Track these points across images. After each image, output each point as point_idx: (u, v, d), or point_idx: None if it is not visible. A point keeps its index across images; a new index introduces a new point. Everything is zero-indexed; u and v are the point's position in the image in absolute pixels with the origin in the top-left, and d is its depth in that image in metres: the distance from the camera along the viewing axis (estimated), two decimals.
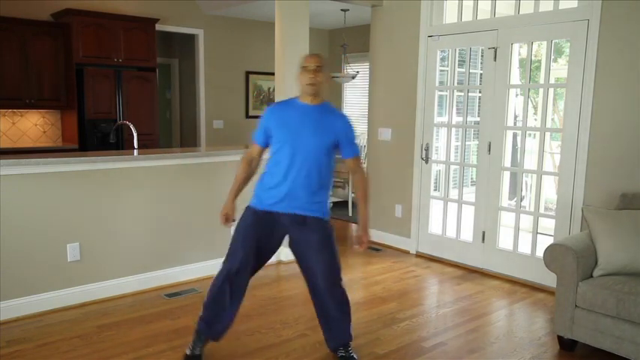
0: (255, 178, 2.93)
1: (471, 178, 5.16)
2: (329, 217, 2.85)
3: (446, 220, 4.97)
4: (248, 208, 2.85)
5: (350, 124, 2.83)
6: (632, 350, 2.83)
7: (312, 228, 2.76)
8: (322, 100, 2.79)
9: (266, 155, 2.91)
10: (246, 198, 2.89)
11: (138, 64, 6.34)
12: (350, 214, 6.81)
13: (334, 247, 2.83)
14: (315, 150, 2.70)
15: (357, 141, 2.88)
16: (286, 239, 2.89)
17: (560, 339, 3.19)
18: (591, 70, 3.81)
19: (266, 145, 2.86)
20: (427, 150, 4.98)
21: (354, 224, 6.40)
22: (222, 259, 4.55)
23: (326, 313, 2.89)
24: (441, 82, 4.93)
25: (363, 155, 6.86)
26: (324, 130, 2.72)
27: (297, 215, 2.75)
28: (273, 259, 4.72)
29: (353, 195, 7.03)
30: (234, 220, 2.89)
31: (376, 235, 5.52)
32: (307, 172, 2.71)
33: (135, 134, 4.41)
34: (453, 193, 5.06)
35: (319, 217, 2.78)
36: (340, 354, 2.93)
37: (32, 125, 6.15)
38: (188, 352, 2.90)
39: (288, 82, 4.69)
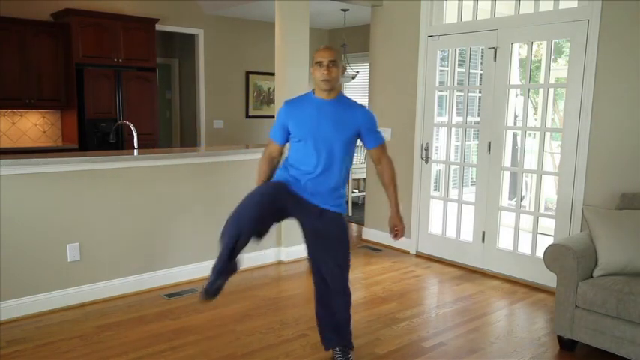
0: None
1: (471, 178, 5.16)
2: (345, 213, 2.83)
3: (446, 220, 4.97)
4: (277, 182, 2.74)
5: (370, 114, 2.78)
6: (632, 350, 2.83)
7: (330, 222, 2.73)
8: (337, 92, 2.74)
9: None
10: None
11: (138, 64, 6.35)
12: (350, 214, 6.81)
13: (348, 244, 2.82)
14: (336, 145, 2.67)
15: (379, 129, 2.83)
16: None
17: (560, 339, 3.19)
18: (591, 70, 3.81)
19: (285, 142, 2.81)
20: (427, 150, 4.98)
21: (354, 224, 6.40)
22: None
23: (329, 311, 2.85)
24: (441, 82, 4.93)
25: (362, 155, 6.88)
26: (343, 123, 2.68)
27: (318, 207, 2.71)
28: (273, 259, 4.77)
29: (353, 194, 7.02)
30: None
31: (376, 235, 5.52)
32: (329, 167, 2.68)
33: (135, 134, 4.41)
34: (453, 193, 5.05)
35: (338, 213, 2.76)
36: (337, 355, 2.88)
37: (32, 125, 6.16)
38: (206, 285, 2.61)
39: (288, 82, 4.69)
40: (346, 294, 2.85)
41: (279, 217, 2.76)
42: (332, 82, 2.64)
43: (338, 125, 2.67)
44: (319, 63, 2.63)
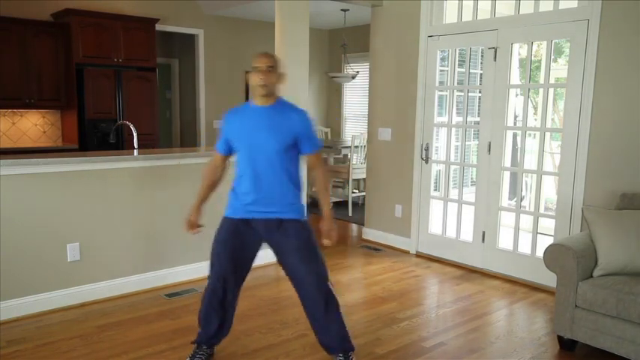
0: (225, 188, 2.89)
1: (471, 178, 5.16)
2: (306, 218, 2.80)
3: (446, 220, 4.97)
4: (224, 219, 2.84)
5: (307, 119, 2.76)
6: (632, 350, 2.83)
7: (290, 232, 2.71)
8: (275, 99, 2.73)
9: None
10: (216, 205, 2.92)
11: (138, 64, 6.35)
12: (350, 214, 6.81)
13: (316, 248, 2.76)
14: (274, 151, 2.65)
15: (316, 134, 2.81)
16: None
17: (560, 339, 3.19)
18: (591, 70, 3.81)
19: (228, 153, 2.84)
20: (427, 150, 4.98)
21: (354, 224, 6.40)
22: None
23: (316, 318, 2.82)
24: (441, 82, 4.93)
25: (362, 155, 6.89)
26: (280, 128, 2.66)
27: (272, 220, 2.71)
28: (273, 259, 4.76)
29: (353, 195, 7.03)
30: (200, 226, 2.93)
31: (376, 235, 5.53)
32: (272, 174, 2.67)
33: (135, 134, 4.41)
34: (453, 193, 5.06)
35: (295, 219, 2.73)
36: (338, 357, 2.84)
37: (32, 125, 6.16)
38: None
39: (288, 82, 4.68)
40: (331, 299, 2.77)
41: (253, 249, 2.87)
42: (269, 87, 2.64)
43: (273, 131, 2.65)
44: (256, 68, 2.64)
